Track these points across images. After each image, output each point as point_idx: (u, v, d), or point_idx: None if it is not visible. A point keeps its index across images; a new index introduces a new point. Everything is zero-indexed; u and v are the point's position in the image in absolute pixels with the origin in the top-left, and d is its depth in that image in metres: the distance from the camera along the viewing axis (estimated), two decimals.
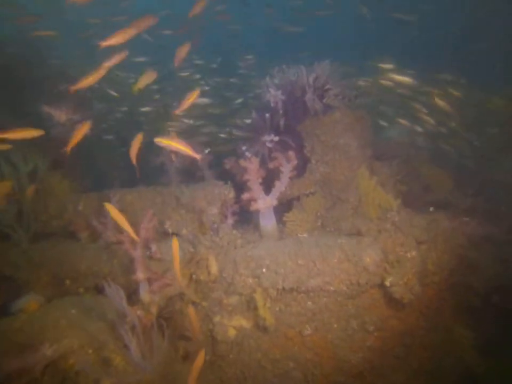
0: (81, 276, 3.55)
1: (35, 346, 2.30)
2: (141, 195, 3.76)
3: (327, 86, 3.67)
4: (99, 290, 3.55)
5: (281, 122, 3.73)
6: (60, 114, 3.68)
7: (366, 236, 2.93)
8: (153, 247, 3.20)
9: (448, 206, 3.78)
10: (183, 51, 4.95)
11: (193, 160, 4.28)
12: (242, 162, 3.30)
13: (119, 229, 3.57)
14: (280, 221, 3.51)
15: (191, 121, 5.87)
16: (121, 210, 3.68)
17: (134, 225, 3.67)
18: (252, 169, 3.29)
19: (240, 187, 3.75)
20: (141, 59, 7.93)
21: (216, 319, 3.11)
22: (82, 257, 3.57)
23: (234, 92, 7.11)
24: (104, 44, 3.61)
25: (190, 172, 4.47)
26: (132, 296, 3.23)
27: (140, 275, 2.90)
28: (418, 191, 3.99)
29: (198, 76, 7.19)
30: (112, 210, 2.73)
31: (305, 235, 3.36)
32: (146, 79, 4.91)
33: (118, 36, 3.67)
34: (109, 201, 3.61)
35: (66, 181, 4.31)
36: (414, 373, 2.98)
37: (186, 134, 5.60)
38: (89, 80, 3.86)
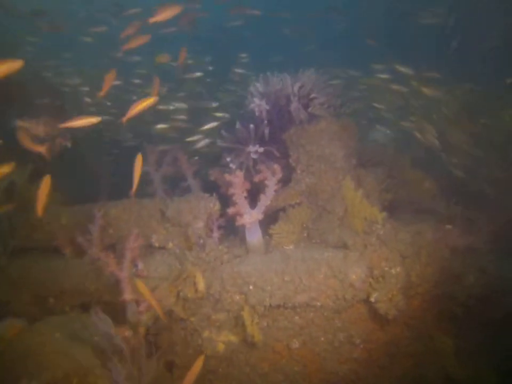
0: (66, 294, 3.51)
1: (14, 380, 2.24)
2: (126, 208, 3.70)
3: (312, 95, 3.64)
4: (85, 308, 3.52)
5: (266, 132, 3.70)
6: (36, 128, 3.56)
7: (352, 250, 2.96)
8: (140, 265, 3.18)
9: (431, 213, 3.84)
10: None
11: (178, 169, 4.28)
12: (227, 177, 3.27)
13: (104, 247, 3.55)
14: (266, 232, 3.52)
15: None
16: (106, 225, 3.69)
17: (120, 239, 3.67)
18: (237, 183, 3.26)
19: (226, 198, 3.74)
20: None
21: (205, 334, 3.12)
22: (66, 274, 3.53)
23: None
24: (152, 20, 3.85)
25: (175, 181, 4.43)
26: (119, 314, 3.23)
27: (127, 296, 2.87)
28: (403, 197, 4.04)
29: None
30: (141, 286, 2.68)
31: (291, 247, 3.37)
32: (164, 58, 5.00)
33: (163, 13, 3.77)
34: (93, 216, 3.58)
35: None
36: (398, 382, 3.06)
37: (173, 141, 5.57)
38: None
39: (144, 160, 4.28)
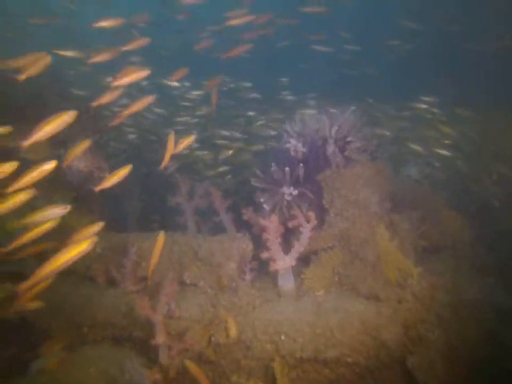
0: (99, 325, 3.59)
1: None
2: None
3: (349, 138, 3.61)
4: (116, 340, 3.61)
5: (301, 173, 3.69)
6: (78, 162, 3.68)
7: (384, 304, 2.91)
8: (172, 305, 3.22)
9: (469, 260, 3.74)
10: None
11: (210, 202, 4.33)
12: (262, 222, 3.30)
13: (137, 281, 3.62)
14: (297, 274, 3.52)
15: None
16: (139, 258, 3.76)
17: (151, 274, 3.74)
18: (272, 228, 3.28)
19: (258, 237, 3.75)
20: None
21: (234, 378, 3.14)
22: (100, 305, 3.61)
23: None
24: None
25: (206, 213, 4.49)
26: (149, 350, 3.30)
27: (160, 339, 2.92)
28: (438, 241, 3.94)
29: None
30: (192, 368, 2.75)
31: (322, 292, 3.35)
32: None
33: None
34: (127, 248, 3.67)
35: (85, 218, 4.35)
36: None
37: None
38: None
39: (176, 191, 4.40)
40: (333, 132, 3.54)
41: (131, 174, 5.99)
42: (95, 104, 3.51)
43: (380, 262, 3.18)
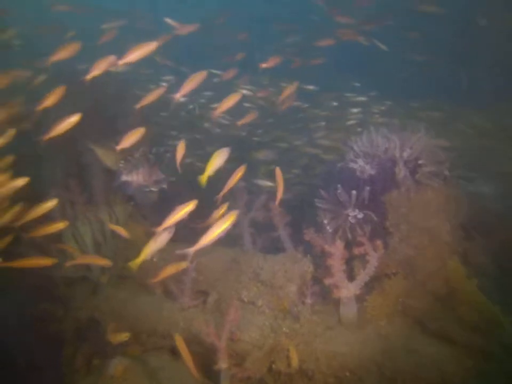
0: (159, 336, 3.68)
1: None
2: (216, 258, 3.78)
3: (421, 161, 3.39)
4: (174, 352, 3.68)
5: (366, 196, 3.53)
6: (137, 177, 3.67)
7: (463, 352, 2.74)
8: (233, 329, 3.22)
9: None
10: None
11: (267, 215, 4.26)
12: (327, 247, 3.20)
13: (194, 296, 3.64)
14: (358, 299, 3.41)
15: None
16: (197, 272, 3.78)
17: (208, 290, 3.76)
18: (337, 255, 3.18)
19: (319, 258, 3.67)
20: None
21: None
22: (160, 317, 3.68)
23: None
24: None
25: (263, 225, 4.43)
26: (205, 366, 3.34)
27: (223, 365, 2.94)
28: None
29: None
30: None
31: (385, 322, 3.23)
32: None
33: None
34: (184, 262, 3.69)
35: (141, 227, 4.43)
36: None
37: None
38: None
39: (234, 202, 4.36)
40: (405, 155, 3.33)
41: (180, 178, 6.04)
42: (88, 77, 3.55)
43: (453, 299, 3.01)
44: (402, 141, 3.45)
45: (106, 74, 5.49)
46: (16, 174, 4.94)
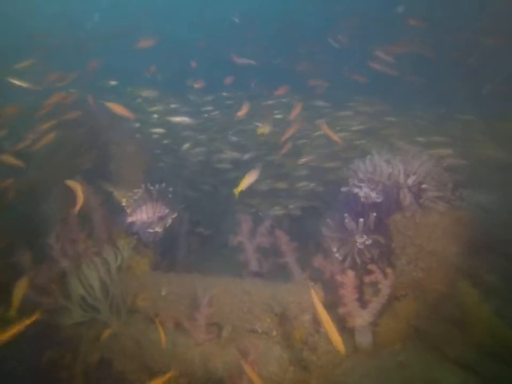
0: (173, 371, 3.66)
1: None
2: (228, 290, 3.77)
3: (424, 186, 3.45)
4: None
5: (372, 221, 3.58)
6: (141, 215, 3.62)
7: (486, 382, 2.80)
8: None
9: None
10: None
11: (272, 241, 4.28)
12: (339, 278, 3.25)
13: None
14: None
15: None
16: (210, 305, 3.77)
17: (221, 322, 3.76)
18: (348, 284, 3.22)
19: (329, 284, 3.71)
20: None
21: None
22: (174, 355, 3.68)
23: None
24: None
25: (268, 251, 4.44)
26: None
27: None
28: None
29: None
30: None
31: (399, 346, 3.29)
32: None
33: None
34: (197, 298, 3.68)
35: (145, 259, 4.39)
36: None
37: None
38: None
39: (239, 230, 4.36)
40: (409, 181, 3.39)
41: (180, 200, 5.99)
42: None
43: (469, 324, 3.07)
44: (406, 166, 3.50)
45: (100, 104, 5.46)
46: (14, 209, 4.87)
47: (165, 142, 6.73)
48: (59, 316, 3.77)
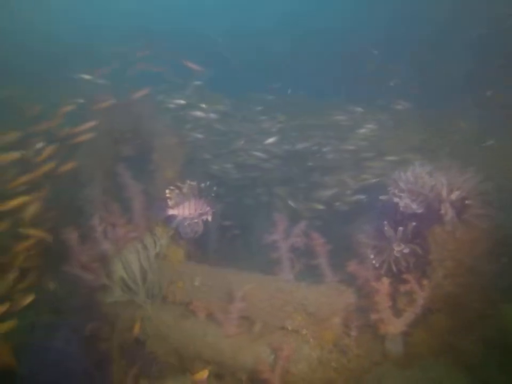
0: (203, 361, 3.80)
1: None
2: (260, 287, 3.86)
3: (468, 202, 3.45)
4: (219, 376, 3.80)
5: (410, 230, 3.60)
6: (183, 210, 3.72)
7: None
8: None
9: None
10: None
11: (306, 242, 4.34)
12: (374, 284, 3.29)
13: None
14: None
15: None
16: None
17: (252, 317, 3.86)
18: (383, 292, 3.27)
19: (361, 290, 3.76)
20: None
21: None
22: (205, 343, 3.80)
23: None
24: None
25: (301, 251, 4.51)
26: None
27: None
28: None
29: None
30: None
31: (431, 361, 3.31)
32: None
33: None
34: (231, 292, 3.79)
35: (181, 249, 4.54)
36: None
37: None
38: None
39: (274, 230, 4.44)
40: (453, 196, 3.39)
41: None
42: None
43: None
44: (450, 181, 3.50)
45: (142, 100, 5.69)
46: (57, 195, 5.12)
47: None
48: (100, 293, 3.96)
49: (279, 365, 3.03)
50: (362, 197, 5.60)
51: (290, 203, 5.74)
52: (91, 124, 5.26)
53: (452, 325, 3.43)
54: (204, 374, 3.08)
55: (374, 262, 3.61)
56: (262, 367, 3.01)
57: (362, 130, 6.57)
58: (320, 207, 5.82)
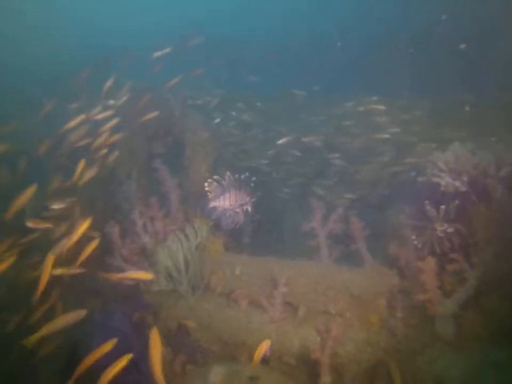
0: (248, 347, 3.82)
1: None
2: (302, 273, 3.87)
3: None
4: (265, 361, 3.82)
5: (453, 209, 3.53)
6: (223, 202, 3.76)
7: None
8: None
9: None
10: None
11: (343, 228, 4.33)
12: (420, 265, 3.25)
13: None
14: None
15: None
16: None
17: (296, 302, 3.87)
18: (430, 271, 3.22)
19: (403, 272, 3.71)
20: None
21: None
22: (249, 330, 3.83)
23: None
24: None
25: (338, 238, 4.50)
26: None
27: (327, 380, 3.04)
28: None
29: None
30: None
31: (487, 344, 3.20)
32: None
33: None
34: (275, 278, 3.81)
35: (220, 240, 4.60)
36: None
37: None
38: None
39: (311, 217, 4.45)
40: (502, 173, 3.31)
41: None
42: None
43: None
44: (498, 158, 3.43)
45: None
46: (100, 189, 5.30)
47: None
48: (143, 284, 4.07)
49: (328, 345, 3.02)
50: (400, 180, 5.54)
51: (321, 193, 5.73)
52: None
53: (509, 307, 3.32)
54: (265, 345, 3.02)
55: (416, 242, 3.56)
56: (312, 347, 3.00)
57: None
58: (353, 196, 5.80)
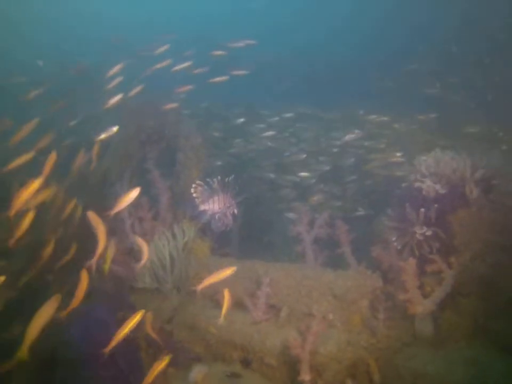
0: (233, 348, 3.81)
1: None
2: (288, 274, 3.90)
3: (494, 181, 3.48)
4: (245, 362, 3.80)
5: (433, 213, 3.62)
6: (213, 205, 3.82)
7: None
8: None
9: None
10: None
11: (330, 233, 4.39)
12: (401, 264, 3.30)
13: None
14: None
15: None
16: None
17: (279, 304, 3.88)
18: (410, 271, 3.27)
19: (386, 275, 3.76)
20: None
21: None
22: (232, 330, 3.81)
23: None
24: None
25: (325, 243, 4.56)
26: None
27: (306, 377, 3.04)
28: None
29: None
30: None
31: (464, 343, 3.24)
32: None
33: None
34: (259, 279, 3.84)
35: (206, 243, 4.65)
36: None
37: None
38: None
39: (297, 222, 4.52)
40: (478, 175, 3.43)
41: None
42: None
43: None
44: (474, 162, 3.55)
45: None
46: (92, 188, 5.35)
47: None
48: (129, 283, 4.07)
49: (308, 341, 3.03)
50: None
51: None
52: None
53: (484, 307, 3.37)
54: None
55: (395, 244, 3.63)
56: (292, 343, 3.02)
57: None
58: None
